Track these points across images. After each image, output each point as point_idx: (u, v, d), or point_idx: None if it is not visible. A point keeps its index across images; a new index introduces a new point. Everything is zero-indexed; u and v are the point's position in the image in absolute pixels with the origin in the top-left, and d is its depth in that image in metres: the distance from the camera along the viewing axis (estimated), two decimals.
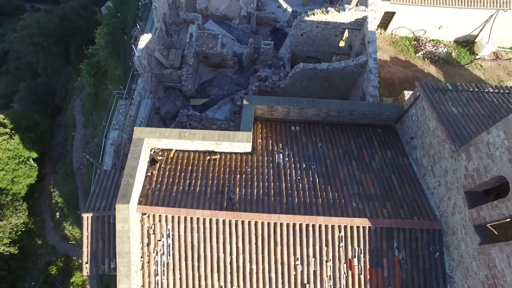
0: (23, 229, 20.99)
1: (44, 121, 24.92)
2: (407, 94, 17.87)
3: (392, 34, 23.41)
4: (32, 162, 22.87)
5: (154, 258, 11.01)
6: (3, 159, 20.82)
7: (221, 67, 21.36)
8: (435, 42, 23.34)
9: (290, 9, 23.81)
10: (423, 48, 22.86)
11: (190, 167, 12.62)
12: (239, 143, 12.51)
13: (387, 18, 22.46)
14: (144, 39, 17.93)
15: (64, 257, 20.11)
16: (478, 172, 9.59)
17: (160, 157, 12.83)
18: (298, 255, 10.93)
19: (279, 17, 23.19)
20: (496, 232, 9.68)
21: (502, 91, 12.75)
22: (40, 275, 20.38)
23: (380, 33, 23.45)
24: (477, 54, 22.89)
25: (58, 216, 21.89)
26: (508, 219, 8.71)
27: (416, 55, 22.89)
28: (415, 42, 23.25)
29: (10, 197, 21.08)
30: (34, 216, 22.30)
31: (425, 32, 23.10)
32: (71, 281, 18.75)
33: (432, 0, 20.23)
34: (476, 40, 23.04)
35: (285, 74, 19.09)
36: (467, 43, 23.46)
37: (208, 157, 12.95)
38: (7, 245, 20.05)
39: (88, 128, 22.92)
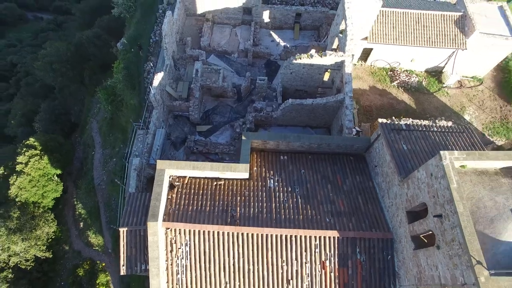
0: (53, 237, 24.75)
1: (66, 142, 28.70)
2: (381, 121, 21.79)
3: (371, 65, 27.37)
4: (57, 178, 26.61)
5: (176, 261, 14.85)
6: (35, 177, 24.65)
7: (222, 97, 25.24)
8: (408, 72, 27.33)
9: (282, 43, 27.75)
10: (397, 77, 26.85)
11: (201, 191, 16.48)
12: (239, 173, 16.38)
13: (367, 52, 26.42)
14: (158, 78, 21.72)
15: (89, 261, 23.89)
16: (412, 198, 13.54)
17: (177, 183, 16.68)
18: (284, 258, 14.80)
19: (272, 51, 27.08)
20: (426, 241, 13.61)
21: (443, 130, 16.70)
22: (69, 277, 24.11)
23: (361, 65, 27.43)
24: (443, 83, 26.91)
25: (82, 226, 25.66)
26: (430, 232, 12.63)
27: (392, 84, 26.86)
28: (391, 72, 27.23)
29: (41, 209, 24.84)
30: (60, 226, 26.06)
31: (399, 63, 27.09)
32: (96, 282, 22.57)
33: (401, 40, 24.25)
34: (443, 71, 27.06)
35: (277, 106, 22.97)
36: (436, 73, 27.47)
37: (215, 183, 16.81)
38: (44, 251, 23.83)
39: (107, 148, 26.72)
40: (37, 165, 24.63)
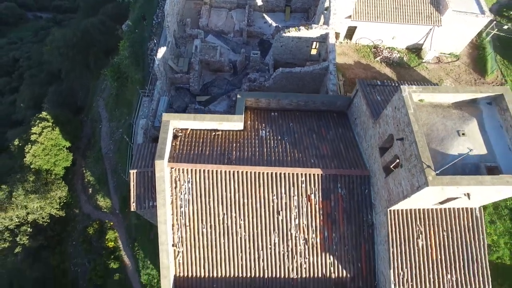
0: (64, 201, 26.91)
1: (74, 119, 31.01)
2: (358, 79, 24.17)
3: (356, 43, 29.89)
4: (66, 150, 28.83)
5: (179, 196, 17.10)
6: (48, 146, 26.84)
7: (220, 72, 27.65)
8: (390, 49, 29.85)
9: (274, 24, 30.25)
10: (380, 54, 29.36)
11: (201, 140, 18.79)
12: (234, 123, 18.71)
13: (351, 30, 28.94)
14: (161, 51, 24.15)
15: (98, 221, 25.98)
16: (383, 134, 15.91)
17: (180, 133, 18.99)
18: (274, 192, 17.08)
19: (265, 31, 29.56)
20: (393, 169, 15.92)
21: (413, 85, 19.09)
22: (79, 236, 26.20)
23: (347, 42, 29.94)
24: (423, 59, 29.43)
25: (90, 191, 27.80)
26: (397, 159, 14.93)
27: (375, 59, 29.36)
28: (374, 49, 29.74)
29: (53, 176, 27.00)
30: (70, 193, 28.21)
31: (382, 41, 29.60)
32: (106, 238, 24.67)
33: (381, 18, 26.79)
34: (422, 48, 29.59)
35: (269, 76, 25.35)
36: (416, 50, 30.00)
37: (213, 133, 19.14)
38: (58, 209, 25.97)
39: (113, 121, 28.99)
40: (50, 135, 26.89)
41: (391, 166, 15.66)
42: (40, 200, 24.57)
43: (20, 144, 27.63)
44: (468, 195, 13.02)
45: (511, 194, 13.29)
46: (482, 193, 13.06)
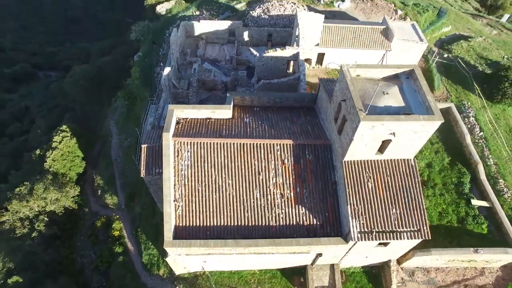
0: (76, 200, 30.60)
1: (88, 134, 36.15)
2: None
3: (326, 67, 36.76)
4: (80, 159, 33.40)
5: (180, 162, 21.65)
6: (66, 152, 31.47)
7: (214, 90, 33.80)
8: None
9: (257, 54, 37.40)
10: None
11: (198, 124, 23.91)
12: (225, 111, 24.04)
13: (321, 56, 35.96)
14: (166, 70, 30.47)
15: (105, 216, 29.39)
16: (335, 106, 21.25)
17: (182, 121, 24.19)
18: (256, 158, 21.74)
19: (251, 59, 36.51)
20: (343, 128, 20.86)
21: None
22: (88, 230, 29.31)
23: (318, 67, 36.80)
24: None
25: (99, 193, 31.62)
26: (344, 119, 20.02)
27: None
28: None
29: (68, 178, 31.10)
30: (81, 196, 32.00)
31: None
32: (112, 227, 27.91)
33: (343, 45, 33.96)
34: None
35: (254, 89, 31.43)
36: None
37: (208, 120, 24.36)
38: (73, 202, 29.56)
39: (122, 134, 34.13)
40: (68, 143, 31.70)
41: (341, 126, 20.72)
42: (56, 192, 28.42)
43: (40, 153, 32.27)
44: (394, 133, 17.96)
45: (424, 135, 18.22)
46: (402, 132, 17.95)
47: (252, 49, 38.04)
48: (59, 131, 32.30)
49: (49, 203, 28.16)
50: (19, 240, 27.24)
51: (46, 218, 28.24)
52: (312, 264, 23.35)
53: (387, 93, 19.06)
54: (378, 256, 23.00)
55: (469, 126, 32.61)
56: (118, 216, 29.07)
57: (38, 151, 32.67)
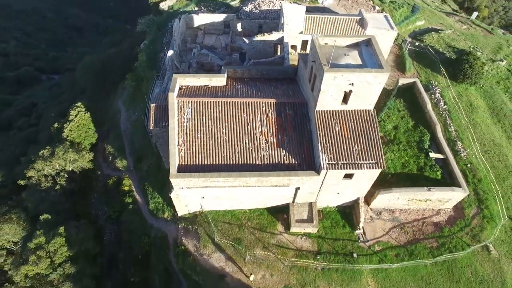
0: (91, 159, 35.67)
1: (99, 110, 41.41)
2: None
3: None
4: (92, 131, 38.60)
5: (183, 116, 26.87)
6: (81, 124, 36.59)
7: (211, 71, 39.22)
8: None
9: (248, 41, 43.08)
10: None
11: (197, 90, 29.25)
12: (220, 78, 29.42)
13: (305, 43, 41.60)
14: (170, 51, 36.01)
15: (116, 177, 34.23)
16: (309, 70, 26.65)
17: (183, 87, 29.54)
18: (245, 112, 27.01)
19: (243, 46, 42.15)
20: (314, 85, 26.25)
21: None
22: (100, 189, 34.08)
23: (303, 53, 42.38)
24: None
25: (110, 159, 36.56)
26: (315, 77, 25.44)
27: None
28: None
29: (83, 147, 36.09)
30: (94, 163, 36.98)
31: None
32: (122, 183, 32.72)
33: (323, 33, 39.68)
34: None
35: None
36: None
37: (205, 87, 29.72)
38: (88, 163, 34.52)
39: (130, 110, 39.34)
40: (82, 117, 36.88)
41: (313, 84, 26.10)
42: (75, 154, 33.34)
43: (58, 126, 37.33)
44: (352, 84, 23.33)
45: (377, 86, 23.55)
46: (359, 84, 23.27)
47: (244, 38, 43.67)
48: (74, 107, 37.53)
49: (68, 163, 32.98)
50: (44, 192, 31.92)
51: (66, 175, 33.06)
52: (293, 202, 28.31)
53: (348, 55, 24.56)
54: (348, 195, 28.04)
55: (435, 100, 38.12)
56: (127, 176, 33.94)
57: (56, 124, 37.76)
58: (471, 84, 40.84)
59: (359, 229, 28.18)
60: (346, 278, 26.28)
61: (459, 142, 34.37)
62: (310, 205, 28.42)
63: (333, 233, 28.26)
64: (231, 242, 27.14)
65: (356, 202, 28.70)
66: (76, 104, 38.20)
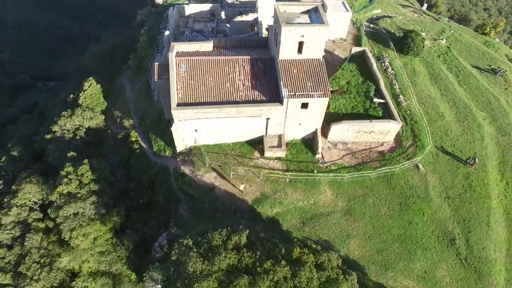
0: (103, 125, 44.67)
1: (106, 84, 50.78)
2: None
3: None
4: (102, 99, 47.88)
5: (179, 69, 36.49)
6: (93, 93, 45.85)
7: None
8: None
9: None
10: None
11: (190, 53, 39.04)
12: (207, 45, 39.29)
13: None
14: (166, 32, 46.05)
15: (124, 133, 43.16)
16: (273, 33, 36.75)
17: (179, 52, 39.31)
18: (227, 65, 36.77)
19: (226, 30, 52.46)
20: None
21: None
22: (111, 143, 42.95)
23: None
24: None
25: (118, 121, 45.56)
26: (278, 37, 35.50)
27: None
28: None
29: (95, 111, 45.26)
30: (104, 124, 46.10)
31: None
32: (130, 135, 41.64)
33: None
34: None
35: None
36: None
37: (196, 51, 39.53)
38: (101, 122, 43.76)
39: (133, 83, 48.73)
40: (94, 87, 46.18)
41: (276, 41, 36.06)
42: (91, 113, 42.32)
43: (74, 96, 46.45)
44: (303, 36, 33.34)
45: (322, 38, 33.58)
46: (308, 36, 33.24)
47: (227, 24, 54.18)
48: (87, 80, 46.81)
49: (85, 120, 41.79)
50: (67, 142, 40.41)
51: (84, 129, 41.80)
52: (266, 134, 37.73)
53: (300, 17, 34.77)
54: (308, 126, 37.55)
55: (384, 67, 48.57)
56: (134, 131, 43.02)
57: (71, 95, 46.88)
58: (415, 55, 51.50)
59: (318, 153, 37.63)
60: (308, 186, 35.49)
61: (401, 96, 44.55)
62: (279, 136, 37.86)
63: (298, 157, 37.64)
64: (219, 164, 36.32)
65: (315, 133, 38.24)
66: (89, 78, 47.52)
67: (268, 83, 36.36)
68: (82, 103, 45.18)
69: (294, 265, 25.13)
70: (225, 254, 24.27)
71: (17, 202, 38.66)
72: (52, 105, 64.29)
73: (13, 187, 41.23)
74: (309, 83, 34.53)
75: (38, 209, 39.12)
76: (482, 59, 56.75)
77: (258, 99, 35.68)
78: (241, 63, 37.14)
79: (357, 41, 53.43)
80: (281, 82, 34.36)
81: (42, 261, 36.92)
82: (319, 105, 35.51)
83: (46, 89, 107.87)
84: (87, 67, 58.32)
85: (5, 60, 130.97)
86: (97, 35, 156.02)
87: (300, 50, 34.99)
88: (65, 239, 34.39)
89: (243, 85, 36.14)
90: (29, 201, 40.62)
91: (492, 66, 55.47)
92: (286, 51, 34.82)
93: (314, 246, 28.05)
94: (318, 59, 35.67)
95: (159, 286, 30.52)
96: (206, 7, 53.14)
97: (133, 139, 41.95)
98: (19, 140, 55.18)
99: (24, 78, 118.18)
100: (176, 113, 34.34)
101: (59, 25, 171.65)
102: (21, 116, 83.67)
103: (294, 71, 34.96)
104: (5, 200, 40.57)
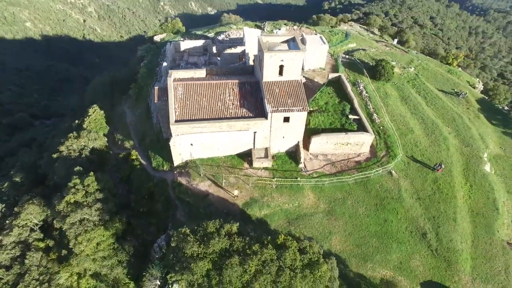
0: (105, 145, 49.26)
1: (108, 112, 56.08)
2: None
3: None
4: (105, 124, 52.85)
5: (177, 91, 42.22)
6: (96, 118, 51.09)
7: None
8: None
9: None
10: None
11: (186, 79, 45.09)
12: (201, 71, 45.52)
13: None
14: (164, 63, 52.57)
15: (125, 153, 47.67)
16: (258, 60, 43.25)
17: (176, 78, 45.37)
18: (219, 88, 42.69)
19: (217, 63, 59.38)
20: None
21: None
22: (113, 162, 47.28)
23: None
24: (304, 70, 59.25)
25: (119, 142, 50.24)
26: (260, 60, 41.95)
27: None
28: None
29: (98, 134, 50.18)
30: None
31: None
32: (131, 153, 46.17)
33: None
34: (303, 64, 59.88)
35: None
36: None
37: (191, 77, 45.63)
38: (104, 143, 48.22)
39: (134, 109, 54.12)
40: (98, 112, 51.47)
41: (259, 66, 42.34)
42: (95, 135, 47.01)
43: (79, 122, 51.46)
44: (282, 60, 39.70)
45: (299, 61, 39.98)
46: (287, 60, 39.61)
47: (218, 58, 61.29)
48: (91, 107, 52.20)
49: (90, 141, 46.41)
50: (73, 160, 44.60)
51: (89, 149, 46.23)
52: (254, 147, 42.71)
53: (280, 45, 41.42)
54: (290, 139, 42.78)
55: (359, 91, 55.22)
56: (134, 150, 47.66)
57: (77, 121, 51.91)
58: (386, 81, 58.59)
59: (301, 163, 42.54)
60: (292, 191, 39.97)
61: (375, 114, 50.67)
62: (266, 149, 42.92)
63: (283, 167, 42.48)
64: (212, 174, 40.85)
65: (297, 146, 43.41)
66: (92, 106, 52.99)
67: (254, 102, 42.10)
68: (87, 127, 50.19)
69: (279, 249, 29.01)
70: (218, 238, 28.17)
71: (19, 223, 42.01)
72: (53, 135, 69.09)
73: (15, 208, 44.75)
74: (289, 100, 40.35)
75: (38, 230, 42.63)
76: (447, 84, 64.25)
77: (246, 115, 41.20)
78: (230, 86, 43.11)
79: (335, 70, 60.60)
80: (265, 100, 40.14)
81: (41, 278, 39.69)
82: (299, 119, 41.07)
83: (44, 127, 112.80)
84: (89, 98, 64.05)
85: (3, 100, 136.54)
86: (94, 77, 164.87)
87: (281, 73, 41.22)
88: (70, 246, 37.61)
89: (233, 104, 41.81)
90: (31, 222, 44.03)
91: (455, 90, 62.82)
92: (269, 74, 40.99)
93: (297, 235, 32.05)
94: (297, 80, 41.85)
95: (158, 282, 33.66)
96: (199, 43, 60.45)
97: (134, 157, 46.55)
98: (22, 167, 59.19)
99: (22, 116, 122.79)
100: (174, 128, 39.46)
101: (57, 69, 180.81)
102: (20, 150, 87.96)
103: (276, 91, 40.91)
104: (7, 221, 43.86)
